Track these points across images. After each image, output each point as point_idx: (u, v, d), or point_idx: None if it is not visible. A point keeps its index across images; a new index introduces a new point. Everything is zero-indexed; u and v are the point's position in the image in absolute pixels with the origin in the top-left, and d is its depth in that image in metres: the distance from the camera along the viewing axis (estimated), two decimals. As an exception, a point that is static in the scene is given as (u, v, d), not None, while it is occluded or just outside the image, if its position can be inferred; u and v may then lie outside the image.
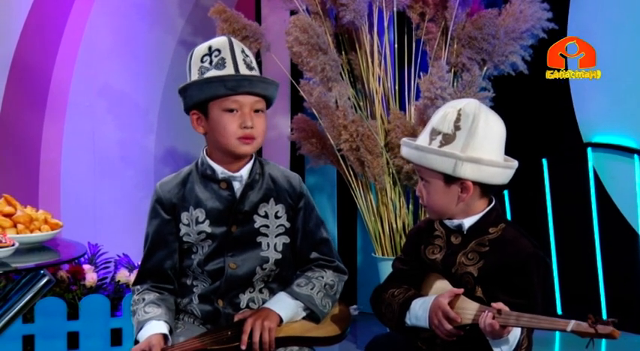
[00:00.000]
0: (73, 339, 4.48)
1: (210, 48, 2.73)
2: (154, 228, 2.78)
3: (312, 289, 2.75)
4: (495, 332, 2.48)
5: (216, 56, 2.71)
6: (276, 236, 2.76)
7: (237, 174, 2.74)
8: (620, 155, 5.15)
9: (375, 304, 2.81)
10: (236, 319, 2.71)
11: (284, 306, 2.72)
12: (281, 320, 2.69)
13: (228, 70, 2.69)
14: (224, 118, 2.70)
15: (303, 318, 2.75)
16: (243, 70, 2.70)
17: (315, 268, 2.80)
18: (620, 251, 5.16)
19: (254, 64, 2.74)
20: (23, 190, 4.80)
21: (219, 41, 2.74)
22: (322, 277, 2.78)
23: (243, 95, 2.69)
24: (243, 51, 2.73)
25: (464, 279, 2.64)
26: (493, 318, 2.47)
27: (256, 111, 2.71)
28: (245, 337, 2.65)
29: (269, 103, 2.76)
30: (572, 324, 2.34)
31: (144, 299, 2.76)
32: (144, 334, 2.68)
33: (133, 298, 2.81)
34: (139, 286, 2.81)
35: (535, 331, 2.66)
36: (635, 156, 5.06)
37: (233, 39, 2.76)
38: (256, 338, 2.65)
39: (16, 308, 3.26)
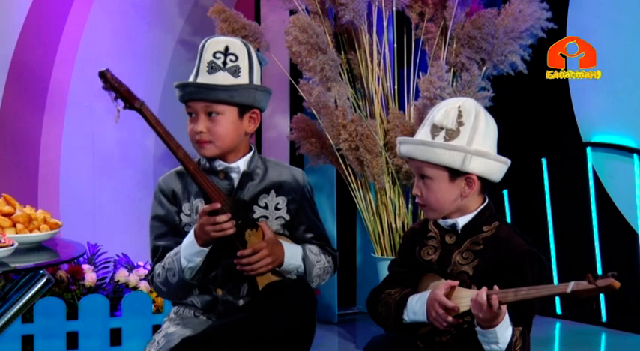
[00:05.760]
0: (72, 339, 4.48)
1: None
2: (161, 215, 2.80)
3: (318, 261, 2.79)
4: (490, 311, 2.45)
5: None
6: (274, 228, 2.78)
7: (234, 165, 2.77)
8: (619, 155, 5.16)
9: (371, 305, 2.81)
10: (262, 226, 2.72)
11: (292, 261, 2.74)
12: (279, 266, 2.72)
13: (192, 76, 2.75)
14: (188, 122, 2.77)
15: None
16: (203, 75, 2.71)
17: (322, 250, 2.84)
18: (620, 251, 5.17)
19: (229, 64, 2.72)
20: (22, 189, 4.80)
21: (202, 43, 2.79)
22: (324, 260, 2.82)
23: (194, 101, 2.73)
24: (217, 53, 2.73)
25: (459, 278, 2.64)
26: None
27: (211, 114, 2.72)
28: (246, 252, 2.66)
29: (241, 106, 2.73)
30: (571, 285, 2.36)
31: (166, 257, 2.75)
32: (187, 246, 2.68)
33: (155, 273, 2.78)
34: (158, 263, 2.79)
35: (534, 331, 2.66)
36: (635, 156, 5.07)
37: (212, 39, 2.77)
38: (253, 266, 2.66)
39: (16, 308, 3.25)
